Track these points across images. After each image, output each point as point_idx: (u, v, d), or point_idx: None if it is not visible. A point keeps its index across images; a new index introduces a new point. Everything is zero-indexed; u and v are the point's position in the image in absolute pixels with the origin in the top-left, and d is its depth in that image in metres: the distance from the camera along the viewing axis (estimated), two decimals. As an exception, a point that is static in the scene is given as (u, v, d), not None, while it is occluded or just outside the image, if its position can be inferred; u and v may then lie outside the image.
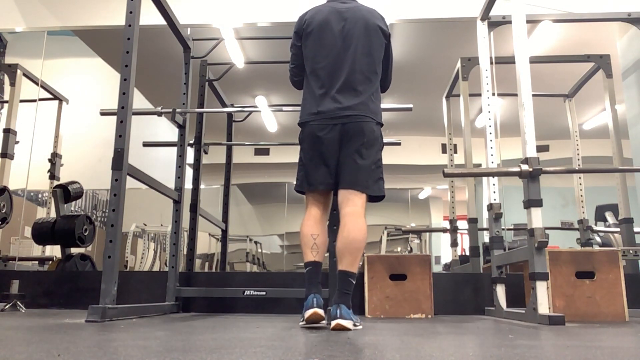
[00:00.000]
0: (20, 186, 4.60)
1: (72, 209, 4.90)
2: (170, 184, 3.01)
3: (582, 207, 4.21)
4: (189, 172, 3.31)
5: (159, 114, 3.11)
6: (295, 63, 2.38)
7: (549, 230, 2.87)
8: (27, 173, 4.59)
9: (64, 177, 4.76)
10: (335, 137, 2.16)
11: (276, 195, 5.98)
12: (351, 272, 2.05)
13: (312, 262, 2.12)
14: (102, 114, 3.28)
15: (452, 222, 4.41)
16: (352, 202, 2.14)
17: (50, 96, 4.90)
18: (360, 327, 2.00)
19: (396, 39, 4.90)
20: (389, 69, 2.41)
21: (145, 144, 4.15)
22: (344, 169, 2.16)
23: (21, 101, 4.48)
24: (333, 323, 1.90)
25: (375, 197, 2.20)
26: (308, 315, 1.96)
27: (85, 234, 4.06)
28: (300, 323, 2.04)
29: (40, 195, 5.02)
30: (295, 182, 2.29)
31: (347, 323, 1.90)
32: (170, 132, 3.71)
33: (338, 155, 2.17)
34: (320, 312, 1.97)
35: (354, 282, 2.06)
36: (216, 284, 3.33)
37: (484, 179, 3.22)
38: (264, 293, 2.89)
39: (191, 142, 3.49)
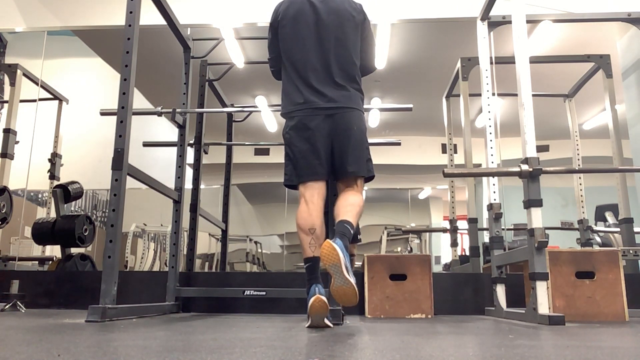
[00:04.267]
0: (20, 186, 4.60)
1: (72, 209, 4.90)
2: (170, 184, 3.01)
3: (582, 207, 4.21)
4: (189, 172, 3.31)
5: (159, 114, 3.11)
6: (272, 55, 2.40)
7: (549, 230, 2.87)
8: (27, 173, 4.59)
9: (64, 177, 4.76)
10: (325, 128, 2.18)
11: (276, 195, 5.99)
12: (349, 220, 2.06)
13: (311, 257, 2.10)
14: (102, 114, 3.29)
15: (452, 222, 4.41)
16: (349, 185, 2.23)
17: (50, 96, 4.90)
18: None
19: (396, 39, 4.90)
20: (370, 52, 2.41)
21: (145, 144, 4.15)
22: (341, 159, 2.19)
23: (21, 101, 4.48)
24: (324, 242, 1.88)
25: (367, 179, 2.28)
26: (312, 301, 1.94)
27: (85, 234, 4.06)
28: (306, 324, 2.02)
29: (40, 195, 5.02)
30: (284, 177, 2.26)
31: (339, 250, 1.84)
32: (170, 132, 3.71)
33: (328, 147, 2.19)
34: (324, 298, 1.95)
35: (352, 231, 2.05)
36: (216, 284, 3.33)
37: (484, 179, 3.22)
38: (264, 293, 2.89)
39: (191, 142, 3.49)
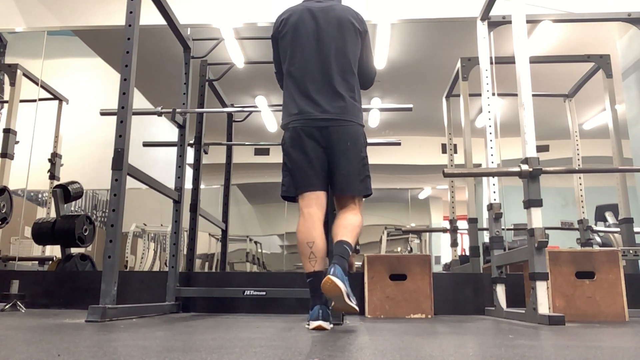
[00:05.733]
0: (20, 186, 4.60)
1: (72, 209, 4.90)
2: (170, 184, 3.01)
3: (582, 207, 4.21)
4: (189, 172, 3.31)
5: (159, 114, 3.11)
6: (276, 69, 2.41)
7: (549, 230, 2.87)
8: (27, 173, 4.59)
9: (64, 177, 4.76)
10: (319, 140, 2.16)
11: (276, 195, 5.93)
12: (347, 240, 2.05)
13: (312, 272, 2.07)
14: (102, 114, 3.28)
15: (452, 222, 4.41)
16: (346, 204, 2.20)
17: (50, 96, 4.90)
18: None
19: (396, 39, 4.90)
20: (368, 66, 2.39)
21: (145, 144, 4.15)
22: (333, 175, 2.18)
23: (21, 101, 4.48)
24: (325, 279, 1.88)
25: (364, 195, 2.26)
26: (312, 327, 1.95)
27: (85, 234, 4.05)
28: (306, 326, 2.03)
29: (40, 195, 5.02)
30: (281, 188, 2.24)
31: (339, 282, 1.86)
32: (170, 132, 3.71)
33: (324, 159, 2.17)
34: (325, 324, 1.95)
35: (350, 251, 2.05)
36: (216, 284, 3.33)
37: (484, 179, 3.22)
38: (264, 293, 2.89)
39: (191, 142, 3.49)
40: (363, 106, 2.33)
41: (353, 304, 1.92)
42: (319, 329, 1.93)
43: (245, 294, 2.90)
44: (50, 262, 4.22)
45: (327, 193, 2.23)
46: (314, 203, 2.16)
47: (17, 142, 4.37)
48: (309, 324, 1.98)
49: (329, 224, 2.23)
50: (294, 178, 2.19)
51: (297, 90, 2.22)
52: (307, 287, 2.10)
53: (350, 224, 2.12)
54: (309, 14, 2.27)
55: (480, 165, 3.94)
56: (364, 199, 2.29)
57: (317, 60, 2.22)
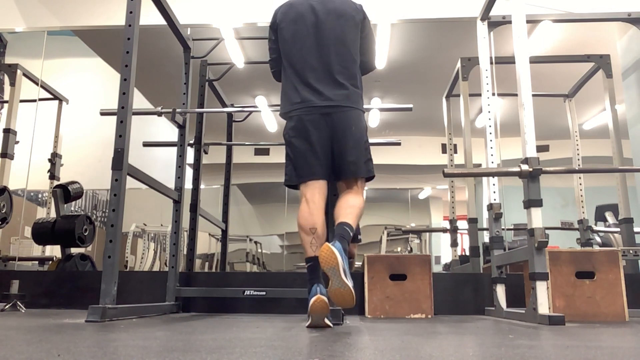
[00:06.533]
0: (20, 186, 4.60)
1: (72, 209, 4.90)
2: (170, 184, 3.01)
3: (582, 207, 4.21)
4: (189, 172, 3.31)
5: (159, 114, 3.11)
6: (272, 56, 2.43)
7: (549, 230, 2.87)
8: (27, 173, 4.59)
9: (64, 177, 4.76)
10: (323, 128, 2.18)
11: (276, 195, 5.98)
12: (348, 222, 2.06)
13: (312, 257, 2.09)
14: (102, 114, 3.28)
15: (452, 222, 4.41)
16: (350, 186, 2.24)
17: (50, 96, 4.90)
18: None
19: (396, 39, 4.90)
20: (370, 50, 2.43)
21: (145, 144, 4.15)
22: (339, 159, 2.21)
23: (21, 101, 4.48)
24: (323, 246, 1.88)
25: (368, 178, 2.29)
26: (312, 301, 1.93)
27: (85, 234, 4.05)
28: (306, 324, 2.01)
29: (40, 195, 5.02)
30: (284, 177, 2.27)
31: (337, 252, 1.85)
32: (170, 132, 3.71)
33: (328, 146, 2.20)
34: (325, 298, 1.94)
35: (351, 233, 2.06)
36: (216, 284, 3.33)
37: (484, 179, 3.22)
38: (264, 293, 2.89)
39: (191, 142, 3.49)
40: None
41: (349, 283, 1.87)
42: (320, 301, 1.92)
43: (245, 294, 2.90)
44: (50, 262, 4.22)
45: (328, 182, 2.25)
46: (317, 191, 2.19)
47: (17, 142, 4.37)
48: (309, 324, 1.98)
49: (329, 213, 2.24)
50: (297, 166, 2.22)
51: (298, 79, 2.25)
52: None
53: (351, 206, 2.15)
54: (308, 6, 2.30)
55: (480, 165, 3.94)
56: (366, 183, 2.31)
57: (316, 52, 2.25)
